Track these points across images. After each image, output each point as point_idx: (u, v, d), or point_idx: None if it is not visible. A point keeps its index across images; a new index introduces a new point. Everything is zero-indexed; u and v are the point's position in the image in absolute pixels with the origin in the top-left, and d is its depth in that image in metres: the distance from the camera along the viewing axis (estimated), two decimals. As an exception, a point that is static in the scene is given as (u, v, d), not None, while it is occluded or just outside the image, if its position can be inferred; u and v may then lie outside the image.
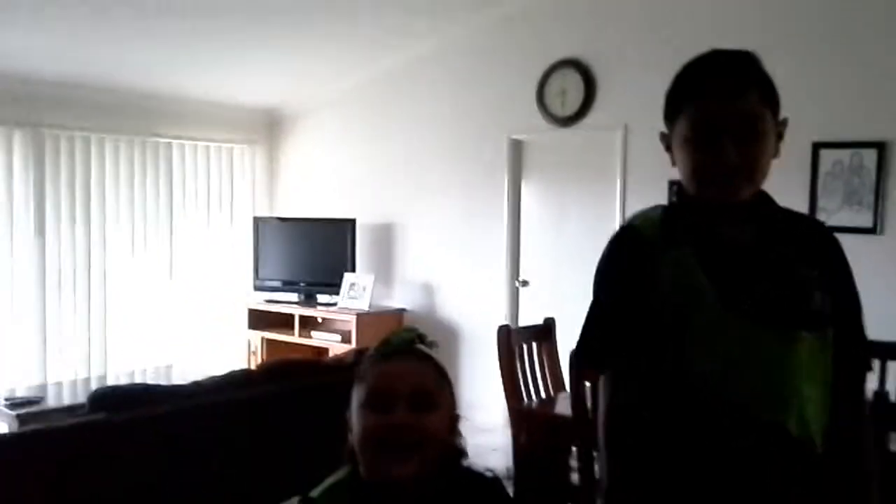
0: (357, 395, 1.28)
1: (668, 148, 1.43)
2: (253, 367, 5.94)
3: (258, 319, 6.17)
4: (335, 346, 5.70)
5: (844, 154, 4.14)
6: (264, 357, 6.09)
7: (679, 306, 1.34)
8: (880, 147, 4.01)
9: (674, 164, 1.41)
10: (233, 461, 3.32)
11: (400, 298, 6.05)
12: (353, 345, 5.55)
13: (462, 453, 1.34)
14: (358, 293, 5.84)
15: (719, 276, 1.35)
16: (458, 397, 4.35)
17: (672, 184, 1.68)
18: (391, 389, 1.24)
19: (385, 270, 6.12)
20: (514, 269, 5.49)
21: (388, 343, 1.32)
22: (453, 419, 1.32)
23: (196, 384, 3.43)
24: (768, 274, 1.37)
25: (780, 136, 1.40)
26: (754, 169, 1.35)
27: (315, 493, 1.28)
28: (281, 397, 3.48)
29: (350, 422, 1.29)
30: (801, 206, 4.25)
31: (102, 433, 3.01)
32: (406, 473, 1.22)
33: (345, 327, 5.77)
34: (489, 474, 1.36)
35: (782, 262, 1.39)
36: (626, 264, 1.44)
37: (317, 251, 6.14)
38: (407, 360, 1.30)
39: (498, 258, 5.51)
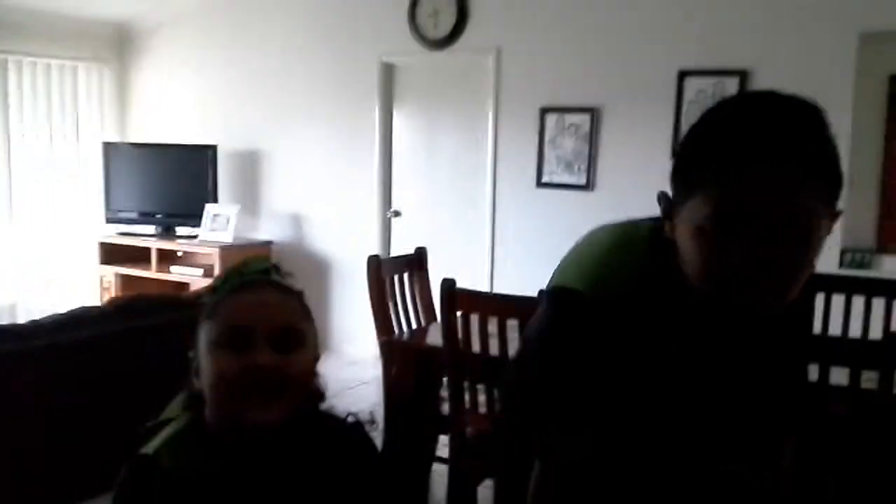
0: (206, 333, 1.10)
1: (668, 217, 1.07)
2: (106, 300, 5.56)
3: (111, 254, 5.75)
4: (197, 281, 5.39)
5: (707, 82, 4.20)
6: (119, 294, 5.70)
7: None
8: (742, 75, 4.09)
9: (670, 237, 1.07)
10: (77, 408, 3.06)
11: (266, 230, 5.79)
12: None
13: (322, 396, 1.20)
14: (221, 225, 5.54)
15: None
16: (329, 331, 4.21)
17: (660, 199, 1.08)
18: (251, 325, 1.07)
19: (250, 201, 5.82)
20: (386, 199, 5.34)
21: (239, 273, 1.14)
22: (316, 359, 1.17)
23: (33, 323, 3.12)
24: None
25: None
26: (791, 283, 0.99)
27: (150, 447, 1.10)
28: (131, 335, 3.23)
29: (195, 364, 1.12)
30: (666, 134, 4.32)
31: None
32: (268, 420, 1.07)
33: (207, 261, 5.47)
34: (350, 419, 1.22)
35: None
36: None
37: (175, 180, 5.74)
38: (267, 291, 1.13)
39: (369, 188, 5.34)
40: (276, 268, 1.18)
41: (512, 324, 2.58)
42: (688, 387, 1.16)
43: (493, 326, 2.62)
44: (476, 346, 2.64)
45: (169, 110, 6.11)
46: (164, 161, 5.76)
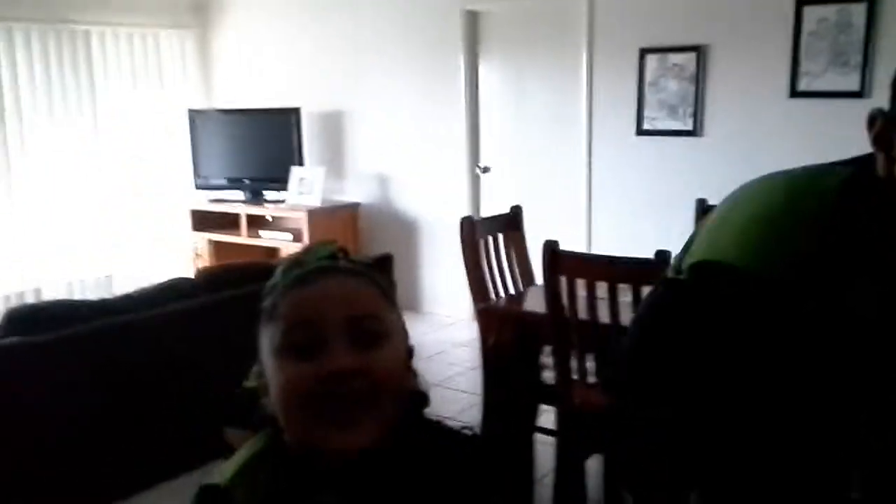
0: (268, 340, 0.89)
1: (883, 146, 0.88)
2: (195, 272, 5.58)
3: (202, 220, 5.75)
4: (287, 246, 5.34)
5: (830, 10, 3.77)
6: (211, 260, 5.72)
7: None
8: (869, 1, 3.64)
9: (883, 176, 0.87)
10: (173, 381, 3.01)
11: (353, 192, 5.66)
12: (306, 243, 5.21)
13: (424, 401, 0.95)
14: (308, 188, 5.44)
15: None
16: (420, 294, 3.98)
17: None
18: (319, 320, 0.86)
19: (335, 163, 5.69)
20: (474, 155, 5.11)
21: (299, 263, 0.93)
22: (409, 353, 0.93)
23: (128, 297, 3.07)
24: None
25: None
26: None
27: (224, 477, 0.90)
28: (225, 307, 3.15)
29: (263, 379, 0.91)
30: (783, 71, 3.92)
31: (20, 356, 2.67)
32: (357, 443, 0.84)
33: (296, 225, 5.39)
34: (467, 432, 0.96)
35: None
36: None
37: (261, 145, 5.66)
38: (335, 278, 0.90)
39: (456, 144, 5.11)
40: (344, 252, 0.96)
41: (623, 288, 2.34)
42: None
43: (601, 291, 2.38)
44: (583, 313, 2.42)
45: (251, 74, 6.02)
46: (250, 126, 5.68)
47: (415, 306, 5.27)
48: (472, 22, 4.95)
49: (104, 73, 5.60)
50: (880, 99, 3.72)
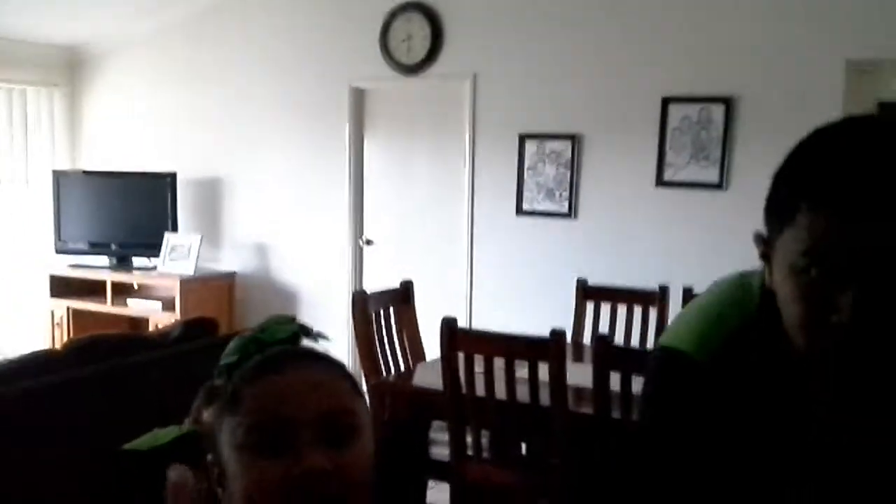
0: (231, 432, 0.84)
1: (765, 257, 0.90)
2: (57, 344, 5.21)
3: (63, 287, 5.40)
4: (156, 316, 5.10)
5: (693, 109, 4.13)
6: (70, 330, 5.36)
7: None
8: (727, 102, 4.02)
9: (767, 283, 0.89)
10: (37, 460, 2.78)
11: (229, 261, 5.52)
12: (177, 313, 5.00)
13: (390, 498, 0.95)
14: (181, 255, 5.25)
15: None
16: None
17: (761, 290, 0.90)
18: (290, 417, 0.81)
19: (211, 230, 5.55)
20: (358, 227, 5.13)
21: (258, 344, 0.89)
22: (373, 452, 0.89)
23: (-13, 370, 2.83)
24: None
25: None
26: None
27: None
28: (95, 381, 2.96)
29: (217, 469, 0.86)
30: (651, 161, 4.23)
31: None
32: None
33: (167, 293, 5.17)
34: None
35: None
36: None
37: (131, 209, 5.44)
38: (300, 367, 0.86)
39: (339, 215, 5.12)
40: (305, 330, 0.94)
41: (520, 363, 2.41)
42: (805, 464, 0.98)
43: (497, 366, 2.44)
44: (480, 390, 2.45)
45: (123, 137, 5.81)
46: (120, 189, 5.45)
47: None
48: (360, 99, 5.04)
49: (-38, 128, 5.25)
50: (737, 190, 4.12)
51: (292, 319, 0.95)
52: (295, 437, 0.81)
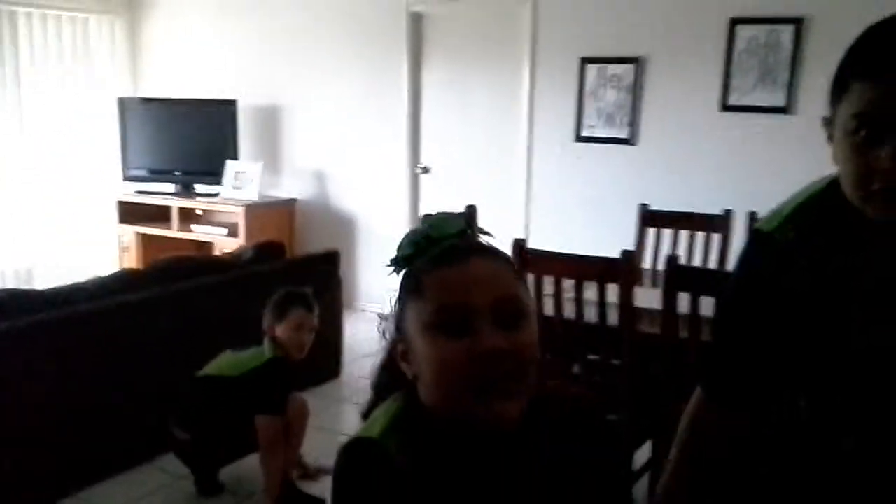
0: (417, 314, 0.94)
1: (830, 138, 1.09)
2: (126, 265, 5.42)
3: (130, 212, 5.59)
4: (221, 241, 5.26)
5: (761, 30, 4.02)
6: (139, 254, 5.56)
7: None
8: (797, 23, 3.91)
9: (835, 161, 1.08)
10: (127, 369, 2.95)
11: (290, 188, 5.63)
12: (242, 238, 5.14)
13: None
14: (244, 182, 5.37)
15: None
16: (357, 292, 4.07)
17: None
18: (469, 303, 0.90)
19: (271, 157, 5.64)
20: (415, 155, 5.17)
21: (429, 238, 0.98)
22: (537, 335, 0.97)
23: (77, 286, 2.99)
24: None
25: None
26: None
27: (372, 432, 0.96)
28: (179, 298, 3.11)
29: (402, 346, 0.97)
30: (715, 85, 4.15)
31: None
32: (509, 413, 0.90)
33: (230, 219, 5.31)
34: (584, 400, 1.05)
35: None
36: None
37: (193, 136, 5.55)
38: (476, 260, 0.94)
39: (397, 143, 5.16)
40: (470, 223, 1.01)
41: (589, 285, 2.46)
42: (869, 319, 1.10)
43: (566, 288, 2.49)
44: (549, 310, 2.52)
45: (183, 64, 5.89)
46: (182, 117, 5.56)
47: (351, 304, 5.28)
48: (417, 23, 5.02)
49: (30, 58, 5.38)
50: (804, 115, 4.05)
51: (458, 215, 1.02)
52: (474, 320, 0.90)
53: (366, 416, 1.04)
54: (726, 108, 4.15)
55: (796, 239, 1.14)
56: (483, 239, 1.02)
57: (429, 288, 0.93)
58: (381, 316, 1.04)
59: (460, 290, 0.92)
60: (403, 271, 1.00)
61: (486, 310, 0.90)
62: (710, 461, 1.26)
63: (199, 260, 3.71)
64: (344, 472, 0.95)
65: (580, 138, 4.58)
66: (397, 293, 0.99)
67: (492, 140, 4.91)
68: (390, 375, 1.02)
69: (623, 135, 4.46)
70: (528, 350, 0.92)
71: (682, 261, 3.50)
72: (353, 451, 0.96)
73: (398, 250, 1.00)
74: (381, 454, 0.94)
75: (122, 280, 3.07)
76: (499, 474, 0.94)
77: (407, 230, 1.03)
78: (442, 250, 0.96)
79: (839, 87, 1.04)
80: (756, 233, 1.19)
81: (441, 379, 0.91)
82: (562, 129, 4.62)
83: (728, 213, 3.52)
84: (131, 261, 5.51)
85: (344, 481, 0.95)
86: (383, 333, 1.03)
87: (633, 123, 4.42)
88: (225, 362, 2.85)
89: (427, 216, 1.02)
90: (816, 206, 1.14)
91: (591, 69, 4.48)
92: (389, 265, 1.00)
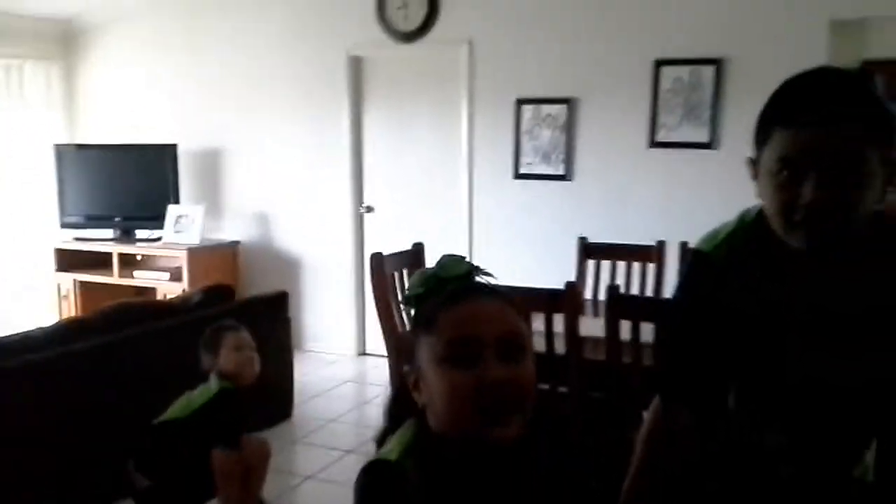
0: (430, 347, 1.05)
1: (754, 177, 1.24)
2: (66, 313, 5.33)
3: (68, 260, 5.50)
4: (164, 286, 5.22)
5: (684, 71, 4.28)
6: (78, 303, 5.47)
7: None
8: (717, 63, 4.17)
9: (761, 197, 1.24)
10: (81, 416, 2.93)
11: (232, 230, 5.63)
12: (185, 283, 5.12)
13: (551, 411, 1.17)
14: (185, 226, 5.36)
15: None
16: (302, 332, 4.18)
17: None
18: (476, 338, 1.02)
19: (213, 201, 5.65)
20: (358, 195, 5.26)
21: (439, 279, 1.09)
22: (535, 368, 1.10)
23: (24, 336, 2.96)
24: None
25: (889, 179, 1.17)
26: (847, 214, 1.14)
27: (389, 454, 1.06)
28: (127, 344, 3.11)
29: (416, 377, 1.08)
30: (643, 123, 4.38)
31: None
32: (507, 436, 1.01)
33: (173, 264, 5.29)
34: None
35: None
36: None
37: (133, 182, 5.52)
38: (482, 299, 1.07)
39: (340, 184, 5.25)
40: (476, 267, 1.13)
41: (536, 316, 2.57)
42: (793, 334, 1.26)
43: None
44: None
45: (121, 109, 5.88)
46: (121, 162, 5.53)
47: (299, 345, 5.28)
48: (357, 67, 5.14)
49: (-38, 105, 5.29)
50: (726, 149, 4.33)
51: (463, 259, 1.13)
52: (481, 354, 1.01)
53: (380, 441, 1.14)
54: (654, 144, 4.38)
55: (731, 260, 1.30)
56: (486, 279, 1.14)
57: (442, 323, 1.04)
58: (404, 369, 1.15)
59: (470, 325, 1.03)
60: (414, 310, 1.11)
61: (492, 344, 1.02)
62: (665, 468, 1.38)
63: (148, 305, 3.70)
64: (365, 489, 1.05)
65: (519, 175, 4.75)
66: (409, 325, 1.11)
67: (434, 178, 5.04)
68: (401, 405, 1.13)
69: (559, 171, 4.64)
70: (527, 382, 1.04)
71: (621, 290, 3.67)
72: (374, 471, 1.06)
73: (409, 290, 1.12)
74: (399, 473, 1.04)
75: (71, 328, 3.06)
76: (502, 485, 1.05)
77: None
78: (454, 290, 1.07)
79: (763, 133, 1.20)
80: (696, 253, 1.37)
81: (451, 406, 1.02)
82: (501, 166, 4.78)
83: (661, 243, 3.71)
84: (70, 309, 5.41)
85: (365, 498, 1.04)
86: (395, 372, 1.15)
87: (568, 160, 4.61)
88: (178, 405, 2.85)
89: (440, 260, 1.13)
90: (748, 233, 1.30)
91: (527, 109, 4.68)
92: (403, 303, 1.13)
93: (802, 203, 1.13)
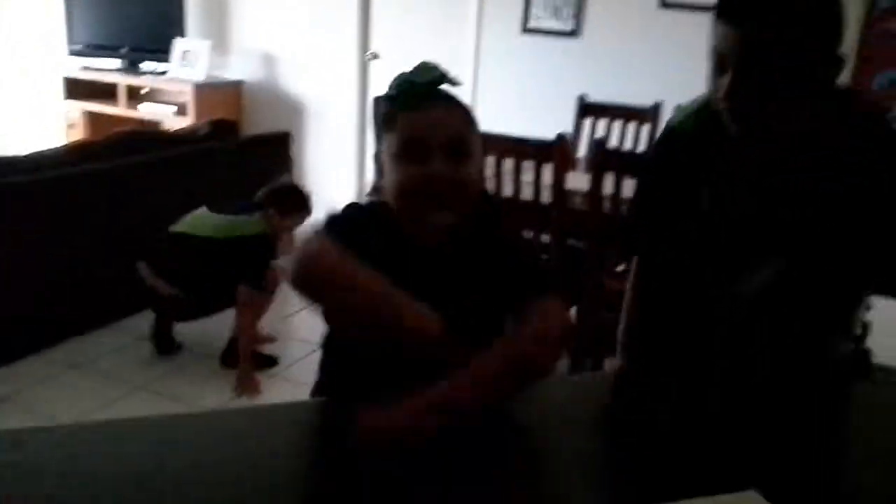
0: (388, 144, 1.22)
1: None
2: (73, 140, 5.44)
3: (76, 89, 5.54)
4: (169, 119, 5.29)
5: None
6: (86, 132, 5.56)
7: None
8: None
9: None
10: (90, 234, 3.10)
11: (238, 69, 5.63)
12: (191, 118, 5.19)
13: (497, 218, 1.33)
14: (192, 61, 5.36)
15: None
16: (305, 175, 4.35)
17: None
18: (425, 139, 1.18)
19: (219, 38, 5.61)
20: (364, 41, 5.23)
21: (411, 84, 1.22)
22: (483, 166, 1.30)
23: (39, 155, 3.09)
24: None
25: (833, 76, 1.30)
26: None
27: (359, 211, 1.27)
28: (138, 168, 3.24)
29: (381, 166, 1.26)
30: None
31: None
32: (446, 221, 1.20)
33: (179, 99, 5.33)
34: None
35: None
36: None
37: (140, 11, 5.47)
38: (439, 104, 1.22)
39: (346, 29, 5.20)
40: (445, 75, 1.24)
41: (527, 167, 2.69)
42: None
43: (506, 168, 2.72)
44: (489, 188, 2.75)
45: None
46: (127, -10, 5.46)
47: (300, 186, 5.43)
48: None
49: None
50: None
51: (436, 67, 1.26)
52: (430, 153, 1.18)
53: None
54: (665, 4, 4.33)
55: (698, 132, 1.42)
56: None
57: (399, 125, 1.21)
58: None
59: (422, 127, 1.20)
60: (384, 108, 1.26)
61: (441, 145, 1.19)
62: (655, 310, 1.56)
63: (156, 134, 3.80)
64: (337, 215, 1.26)
65: (527, 30, 4.71)
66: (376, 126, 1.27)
67: (441, 30, 5.00)
68: (377, 189, 1.33)
69: (568, 27, 4.60)
70: (466, 176, 1.21)
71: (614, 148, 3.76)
72: (348, 208, 1.28)
73: (388, 90, 1.25)
74: (362, 223, 1.25)
75: (82, 151, 3.18)
76: (433, 263, 1.23)
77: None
78: (414, 96, 1.22)
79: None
80: (666, 126, 1.52)
81: (399, 194, 1.21)
82: (509, 20, 4.73)
83: (658, 105, 3.76)
84: (77, 138, 5.51)
85: (335, 219, 1.24)
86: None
87: (579, 16, 4.57)
88: (206, 223, 3.00)
89: (416, 65, 1.25)
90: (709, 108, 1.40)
91: (540, -40, 4.58)
92: (381, 99, 1.28)
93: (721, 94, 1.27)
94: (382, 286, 1.07)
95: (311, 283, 1.13)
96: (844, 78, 4.05)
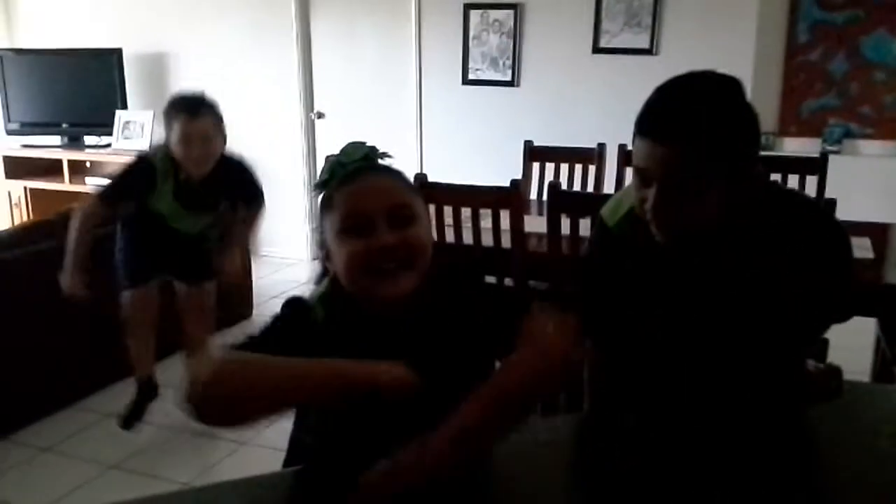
0: (330, 223, 1.21)
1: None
2: (19, 221, 5.35)
3: (18, 167, 5.48)
4: (117, 192, 5.24)
5: (626, -22, 4.39)
6: (30, 210, 5.48)
7: None
8: (659, -29, 4.30)
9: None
10: (49, 314, 3.06)
11: (183, 137, 5.63)
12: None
13: (455, 267, 1.32)
14: (135, 132, 5.36)
15: None
16: (262, 237, 4.26)
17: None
18: (367, 210, 1.17)
19: (161, 106, 5.59)
20: (308, 101, 5.32)
21: (342, 164, 1.22)
22: (429, 233, 1.26)
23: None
24: None
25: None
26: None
27: (309, 299, 1.22)
28: (93, 242, 3.20)
29: (326, 251, 1.24)
30: (587, 29, 4.51)
31: None
32: (399, 291, 1.18)
33: (124, 171, 5.29)
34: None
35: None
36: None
37: (78, 87, 5.47)
38: (374, 176, 1.22)
39: (290, 90, 5.29)
40: (374, 150, 1.26)
41: (485, 214, 2.77)
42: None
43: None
44: (449, 237, 2.82)
45: (63, 12, 5.73)
46: (65, 67, 5.45)
47: (254, 250, 5.42)
48: (304, -29, 5.11)
49: None
50: (665, 55, 4.51)
51: (363, 144, 1.26)
52: (373, 225, 1.17)
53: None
54: (597, 50, 4.53)
55: (626, 235, 1.49)
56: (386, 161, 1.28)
57: (337, 201, 1.20)
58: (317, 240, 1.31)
59: (361, 199, 1.19)
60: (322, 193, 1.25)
61: (382, 214, 1.17)
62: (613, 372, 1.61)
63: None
64: (279, 315, 1.21)
65: (467, 81, 4.86)
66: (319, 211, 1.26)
67: (384, 85, 5.12)
68: (325, 271, 1.30)
69: (507, 77, 4.77)
70: (416, 244, 1.20)
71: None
72: (290, 304, 1.23)
73: (320, 175, 1.26)
74: (310, 310, 1.22)
75: (35, 229, 3.15)
76: (395, 332, 1.20)
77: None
78: (347, 172, 1.22)
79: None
80: (600, 222, 1.57)
81: (349, 269, 1.19)
82: (450, 73, 4.88)
83: (602, 146, 3.91)
84: (23, 217, 5.43)
85: (276, 320, 1.21)
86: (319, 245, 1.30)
87: (515, 66, 4.74)
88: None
89: (343, 147, 1.26)
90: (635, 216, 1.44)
91: (475, 15, 4.75)
92: (314, 189, 1.28)
93: (647, 207, 1.33)
94: (289, 363, 1.07)
95: (222, 402, 1.07)
96: (773, 108, 4.32)
